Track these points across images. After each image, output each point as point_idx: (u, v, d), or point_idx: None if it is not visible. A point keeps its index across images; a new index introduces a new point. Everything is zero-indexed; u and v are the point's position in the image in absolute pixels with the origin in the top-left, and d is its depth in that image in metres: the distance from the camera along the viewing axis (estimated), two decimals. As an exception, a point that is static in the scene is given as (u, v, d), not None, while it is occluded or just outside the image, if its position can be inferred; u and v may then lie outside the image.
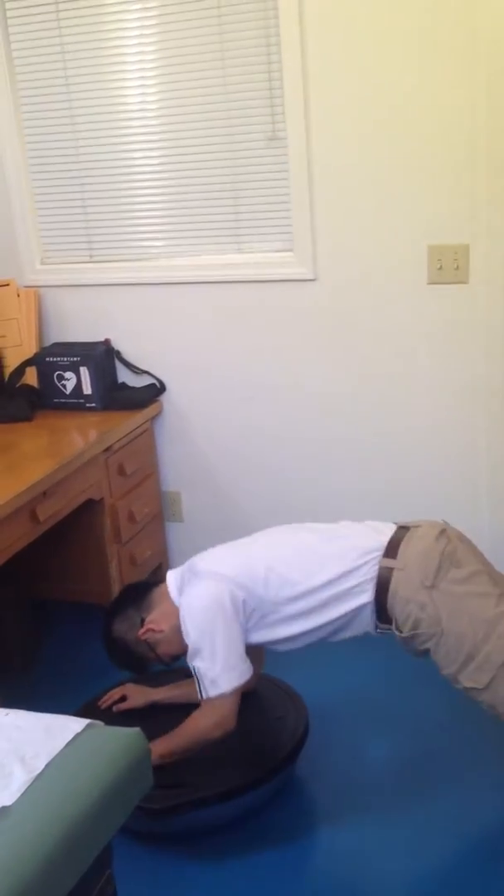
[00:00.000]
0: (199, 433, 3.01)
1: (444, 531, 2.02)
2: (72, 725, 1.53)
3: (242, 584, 1.99)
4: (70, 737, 1.49)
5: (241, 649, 2.00)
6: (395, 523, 2.09)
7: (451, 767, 2.26)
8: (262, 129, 2.64)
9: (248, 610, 2.00)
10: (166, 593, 2.13)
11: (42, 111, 2.85)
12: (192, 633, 1.98)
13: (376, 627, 2.04)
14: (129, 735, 1.53)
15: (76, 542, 2.83)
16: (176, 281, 2.86)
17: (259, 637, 2.05)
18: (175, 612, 2.08)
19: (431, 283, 2.59)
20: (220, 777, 2.04)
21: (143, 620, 2.13)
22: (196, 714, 2.02)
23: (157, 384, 2.99)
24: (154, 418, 3.02)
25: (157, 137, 2.76)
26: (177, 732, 2.05)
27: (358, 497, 2.88)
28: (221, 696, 1.97)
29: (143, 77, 2.71)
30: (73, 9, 2.69)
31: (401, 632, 1.97)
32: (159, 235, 2.88)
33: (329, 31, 2.45)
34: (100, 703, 2.29)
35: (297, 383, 2.83)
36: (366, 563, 1.99)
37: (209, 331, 2.88)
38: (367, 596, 1.98)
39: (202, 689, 1.98)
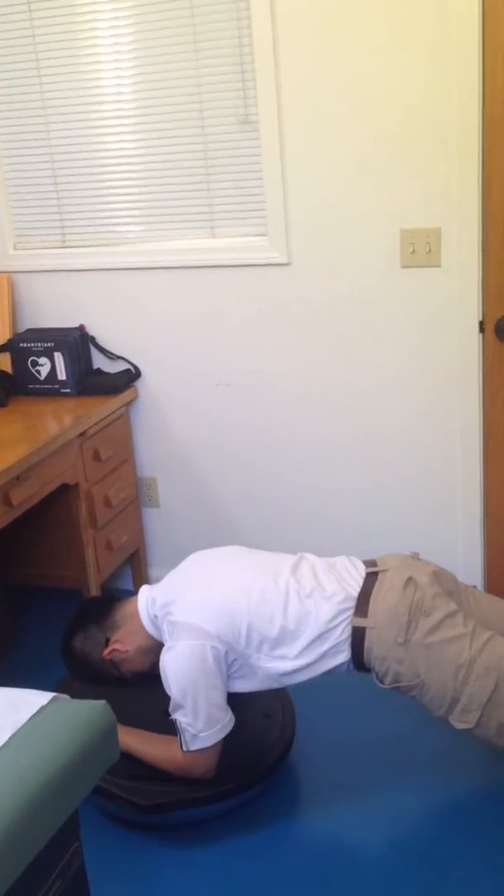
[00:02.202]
0: (174, 419, 3.02)
1: (410, 579, 2.03)
2: (36, 699, 1.54)
3: (224, 639, 1.98)
4: (35, 710, 1.50)
5: (223, 702, 2.01)
6: (364, 564, 2.12)
7: (427, 748, 2.28)
8: (234, 112, 2.64)
9: (230, 660, 2.01)
10: (134, 615, 2.12)
11: (12, 94, 2.84)
12: (174, 689, 1.98)
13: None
14: (94, 707, 1.54)
15: (52, 527, 2.84)
16: (150, 266, 2.87)
17: (240, 686, 2.05)
18: (141, 633, 2.10)
19: (404, 266, 2.60)
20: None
21: (107, 640, 2.13)
22: (177, 749, 2.02)
23: (133, 370, 3.00)
24: (129, 404, 3.02)
25: (130, 121, 2.76)
26: (151, 746, 2.06)
27: (332, 485, 2.89)
28: (202, 750, 1.99)
29: (116, 60, 2.70)
30: (45, -7, 2.68)
31: (382, 683, 2.01)
32: (133, 220, 2.88)
33: (301, 15, 2.45)
34: None
35: (271, 368, 2.84)
36: (340, 622, 2.00)
37: (184, 316, 2.89)
38: (343, 656, 2.02)
39: (183, 741, 1.99)
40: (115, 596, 2.33)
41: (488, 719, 1.95)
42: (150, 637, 2.11)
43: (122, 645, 2.12)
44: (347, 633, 2.00)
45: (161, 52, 2.64)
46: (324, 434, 2.86)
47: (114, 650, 2.12)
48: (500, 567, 2.83)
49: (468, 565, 2.82)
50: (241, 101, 2.62)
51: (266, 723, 2.23)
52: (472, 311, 2.57)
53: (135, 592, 2.18)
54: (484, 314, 2.58)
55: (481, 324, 2.58)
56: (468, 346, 2.61)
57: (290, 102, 2.55)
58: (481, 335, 2.59)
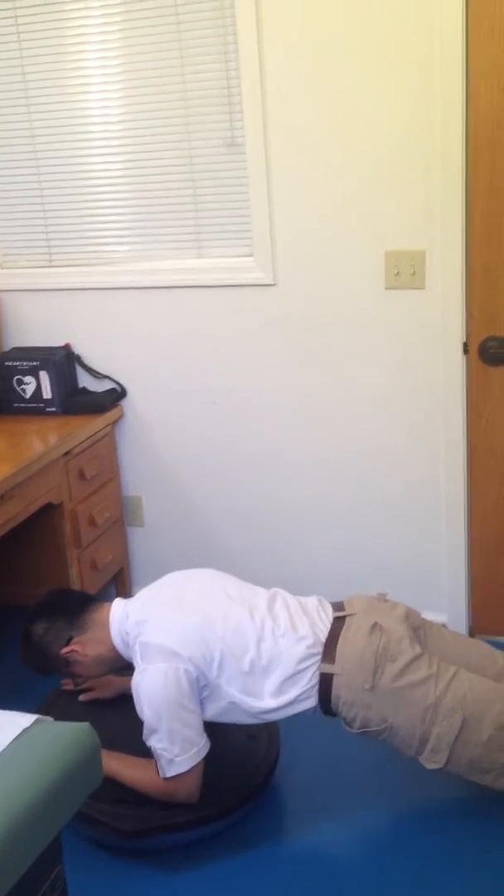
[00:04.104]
0: (160, 438, 3.02)
1: (376, 624, 2.04)
2: (19, 721, 1.52)
3: (197, 664, 1.98)
4: (17, 731, 1.49)
5: (199, 724, 2.00)
6: (332, 606, 2.13)
7: (411, 769, 2.27)
8: (221, 135, 2.66)
9: (201, 685, 2.00)
10: (104, 625, 2.11)
11: (0, 113, 2.85)
12: (147, 712, 1.97)
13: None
14: (78, 730, 1.53)
15: (37, 546, 2.82)
16: (136, 286, 2.88)
17: (213, 711, 2.03)
18: (107, 643, 2.10)
19: (389, 287, 2.63)
20: None
21: (70, 638, 2.12)
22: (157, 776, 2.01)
23: (118, 389, 3.00)
24: (115, 423, 3.02)
25: (117, 142, 2.77)
26: (134, 770, 2.05)
27: (318, 504, 2.90)
28: (182, 774, 1.98)
29: (103, 82, 2.72)
30: (33, 14, 2.70)
31: (351, 728, 2.03)
32: (119, 240, 2.89)
33: (287, 39, 2.48)
34: (63, 683, 2.27)
35: (257, 387, 2.85)
36: (309, 666, 2.02)
37: (170, 336, 2.90)
38: (311, 702, 2.04)
39: (160, 768, 1.98)
40: (89, 596, 2.32)
41: (458, 757, 1.98)
42: (113, 650, 2.10)
43: (83, 648, 2.11)
44: (315, 679, 2.01)
45: (148, 74, 2.66)
46: (310, 453, 2.87)
47: (73, 650, 2.11)
48: (483, 584, 2.84)
49: (452, 582, 2.83)
50: (227, 123, 2.64)
51: (251, 744, 2.22)
52: (456, 332, 2.59)
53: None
54: (468, 335, 2.60)
55: (465, 345, 2.60)
56: (452, 367, 2.63)
57: (276, 125, 2.57)
58: (465, 356, 2.61)
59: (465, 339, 2.60)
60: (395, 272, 2.60)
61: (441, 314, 2.59)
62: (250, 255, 2.74)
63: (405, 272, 2.59)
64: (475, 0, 2.29)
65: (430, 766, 1.99)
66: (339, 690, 2.00)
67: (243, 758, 2.18)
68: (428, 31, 2.36)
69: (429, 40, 2.36)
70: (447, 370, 2.64)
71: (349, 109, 2.49)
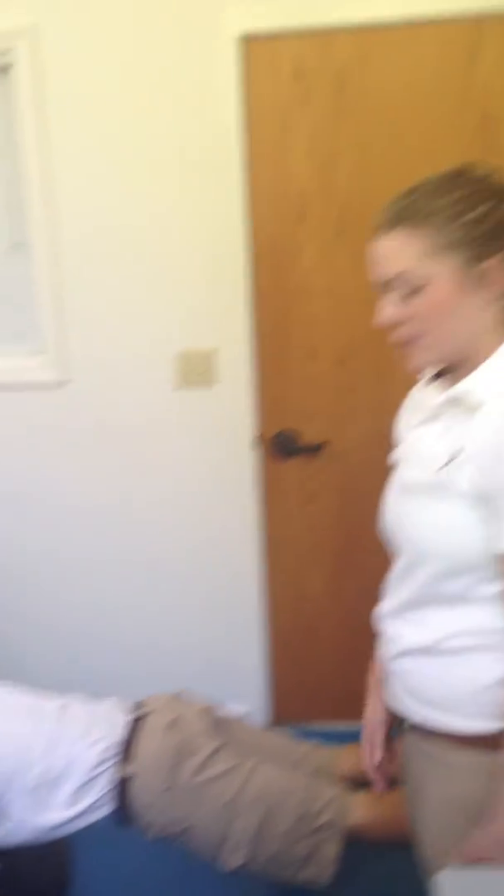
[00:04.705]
0: None
1: (174, 720, 2.02)
2: None
3: None
4: None
5: None
6: (130, 706, 2.10)
7: (211, 874, 2.21)
8: (5, 236, 2.66)
9: None
10: None
11: None
12: None
13: None
14: None
15: None
16: None
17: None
18: None
19: (181, 386, 2.68)
20: None
21: None
22: None
23: None
24: None
25: None
26: None
27: (115, 605, 2.85)
28: None
29: None
30: None
31: (148, 833, 1.96)
32: None
33: (74, 143, 2.54)
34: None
35: (49, 488, 2.79)
36: (103, 772, 1.95)
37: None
38: (106, 809, 1.96)
39: None
40: None
41: (258, 853, 1.93)
42: None
43: None
44: (111, 784, 1.94)
45: None
46: (106, 554, 2.82)
47: None
48: (283, 673, 2.87)
49: (252, 673, 2.84)
50: (6, 225, 2.65)
51: (39, 865, 2.07)
52: (247, 427, 2.68)
53: None
54: (259, 431, 2.69)
55: (257, 439, 2.69)
56: (245, 463, 2.70)
57: (66, 228, 2.59)
58: (258, 450, 2.70)
59: (257, 434, 2.69)
60: (187, 370, 2.67)
61: (233, 411, 2.67)
62: (41, 353, 2.72)
63: (197, 370, 2.66)
64: (254, 125, 2.48)
65: (231, 865, 1.92)
66: (136, 793, 1.92)
67: (33, 880, 2.03)
68: (213, 152, 2.50)
69: (214, 159, 2.50)
70: (241, 465, 2.71)
71: (139, 215, 2.57)
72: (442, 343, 1.25)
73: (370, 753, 1.54)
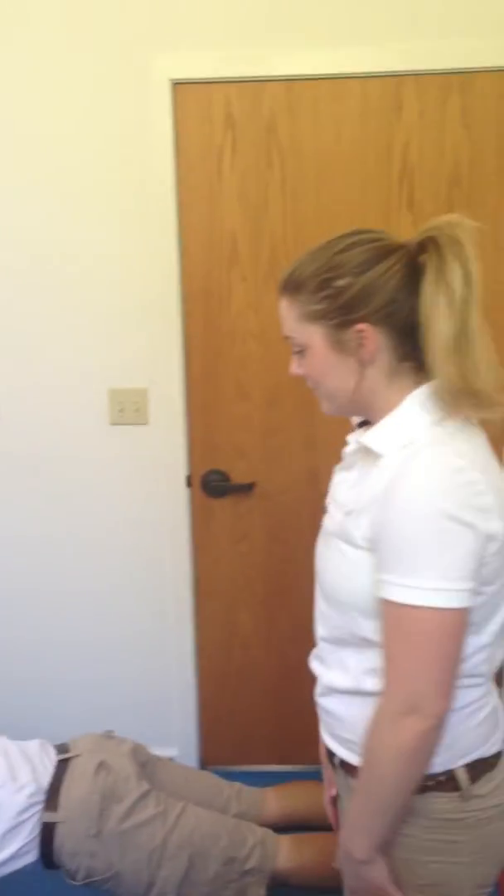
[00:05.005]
0: None
1: (102, 763, 2.01)
2: None
3: None
4: None
5: None
6: (56, 748, 2.07)
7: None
8: None
9: None
10: None
11: None
12: None
13: None
14: None
15: None
16: None
17: None
18: None
19: (113, 423, 2.69)
20: None
21: None
22: None
23: None
24: None
25: None
26: None
27: (43, 640, 2.81)
28: None
29: None
30: None
31: (74, 881, 1.93)
32: None
33: (8, 181, 2.55)
34: None
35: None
36: (28, 818, 1.93)
37: None
38: (31, 856, 1.94)
39: None
40: None
41: None
42: None
43: None
44: (37, 829, 1.91)
45: None
46: (35, 589, 2.79)
47: None
48: (212, 715, 2.85)
49: (182, 715, 2.81)
50: None
51: None
52: (179, 467, 2.69)
53: None
54: (191, 469, 2.70)
55: (188, 478, 2.70)
56: (177, 501, 2.71)
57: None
58: (189, 489, 2.71)
59: (188, 473, 2.70)
60: (119, 409, 2.67)
61: (165, 450, 2.68)
62: (-27, 391, 2.71)
63: (129, 409, 2.67)
64: (186, 169, 2.52)
65: None
66: (62, 840, 1.89)
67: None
68: (146, 195, 2.53)
69: (146, 202, 2.53)
70: (172, 504, 2.71)
71: (75, 261, 2.59)
72: (335, 398, 1.32)
73: (326, 789, 1.55)
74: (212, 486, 2.70)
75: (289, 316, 1.31)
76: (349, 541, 1.25)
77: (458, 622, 1.16)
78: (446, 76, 2.42)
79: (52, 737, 2.27)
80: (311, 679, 1.42)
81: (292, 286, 1.29)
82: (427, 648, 1.15)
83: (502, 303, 2.53)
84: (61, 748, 2.08)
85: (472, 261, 1.19)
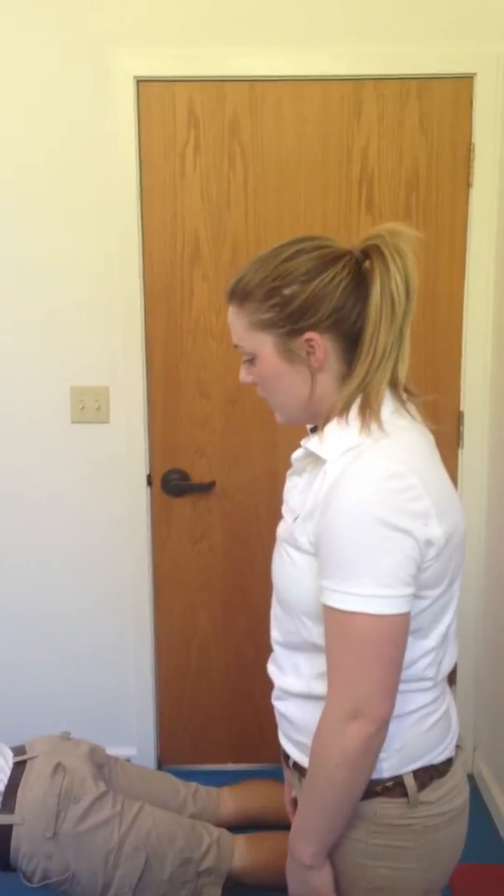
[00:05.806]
0: None
1: (59, 765, 2.00)
2: None
3: None
4: None
5: None
6: (13, 751, 2.06)
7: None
8: None
9: None
10: None
11: None
12: None
13: None
14: None
15: None
16: None
17: None
18: None
19: (74, 421, 2.67)
20: None
21: None
22: None
23: None
24: None
25: None
26: None
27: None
28: None
29: None
30: None
31: (31, 883, 1.92)
32: None
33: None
34: None
35: None
36: None
37: None
38: None
39: None
40: None
41: None
42: None
43: None
44: None
45: None
46: (-6, 590, 2.77)
47: None
48: (170, 715, 2.86)
49: (139, 714, 2.81)
50: None
51: None
52: (140, 465, 2.68)
53: None
54: (151, 468, 2.70)
55: (149, 477, 2.69)
56: (137, 499, 2.70)
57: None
58: (149, 488, 2.70)
59: (148, 472, 2.69)
60: (81, 407, 2.66)
61: (125, 448, 2.67)
62: None
63: (90, 407, 2.66)
64: (147, 168, 2.51)
65: None
66: (18, 842, 1.89)
67: None
68: (108, 193, 2.52)
69: (108, 200, 2.52)
70: (132, 502, 2.70)
71: (37, 258, 2.57)
72: (285, 406, 1.33)
73: (287, 790, 1.56)
74: (172, 485, 2.70)
75: (237, 324, 1.31)
76: (297, 546, 1.26)
77: (398, 627, 1.17)
78: (404, 81, 2.44)
79: (8, 739, 2.25)
80: (268, 679, 1.43)
81: (240, 294, 1.29)
82: (368, 654, 1.16)
83: (456, 305, 2.55)
84: (18, 750, 2.07)
85: (412, 272, 1.21)
